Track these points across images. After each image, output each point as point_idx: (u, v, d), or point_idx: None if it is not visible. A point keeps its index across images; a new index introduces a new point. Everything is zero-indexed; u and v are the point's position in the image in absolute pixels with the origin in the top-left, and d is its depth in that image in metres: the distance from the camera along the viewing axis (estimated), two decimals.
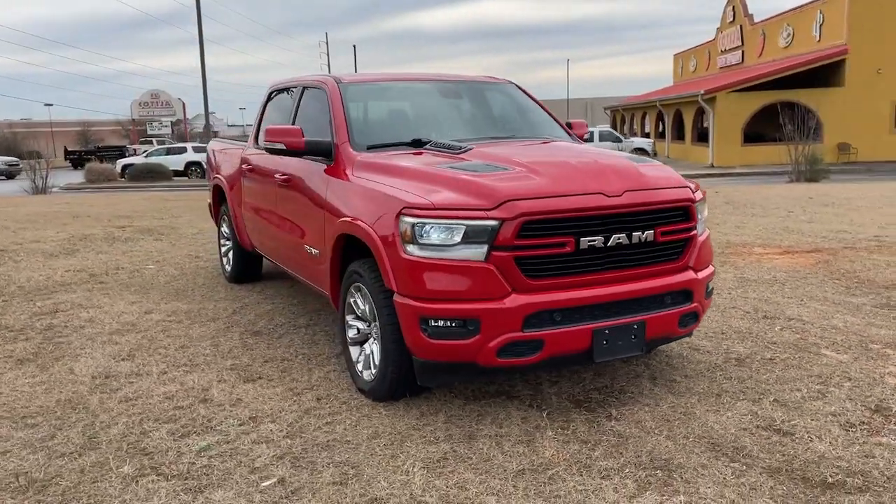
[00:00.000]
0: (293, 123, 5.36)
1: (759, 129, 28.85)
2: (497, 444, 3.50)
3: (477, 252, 3.48)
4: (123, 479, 3.25)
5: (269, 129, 4.78)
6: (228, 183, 6.76)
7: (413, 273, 3.59)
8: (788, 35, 31.76)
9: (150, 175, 33.04)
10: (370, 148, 4.51)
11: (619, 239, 3.64)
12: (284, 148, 4.70)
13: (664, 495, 3.00)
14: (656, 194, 3.79)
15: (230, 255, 7.21)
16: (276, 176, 5.34)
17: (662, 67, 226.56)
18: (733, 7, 37.63)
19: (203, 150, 31.51)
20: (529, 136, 5.02)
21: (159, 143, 49.34)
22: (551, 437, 3.56)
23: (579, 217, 3.56)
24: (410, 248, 3.59)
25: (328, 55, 71.87)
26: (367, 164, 4.30)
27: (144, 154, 39.46)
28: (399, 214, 3.63)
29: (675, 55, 48.83)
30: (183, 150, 37.00)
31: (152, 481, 3.23)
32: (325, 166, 4.70)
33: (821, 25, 29.39)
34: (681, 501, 2.95)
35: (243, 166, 6.26)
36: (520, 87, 5.65)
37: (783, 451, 3.37)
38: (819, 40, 29.52)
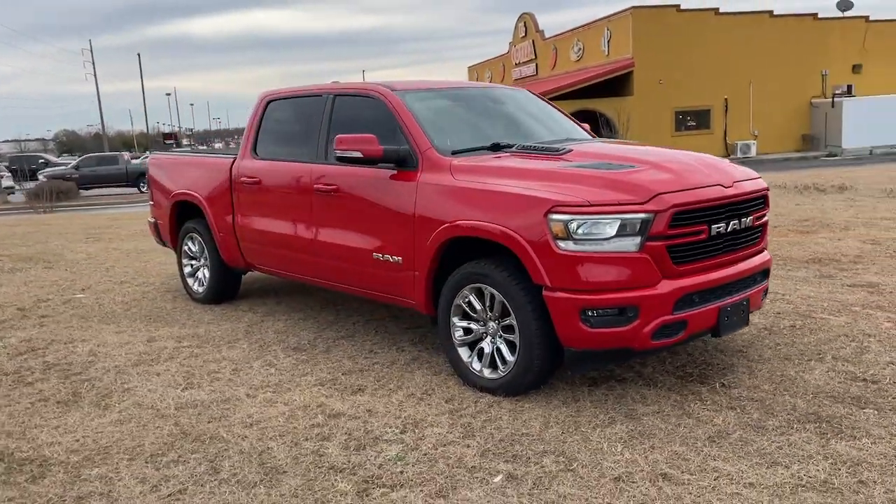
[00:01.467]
0: (329, 133, 5.27)
1: None
2: (663, 419, 3.82)
3: (632, 243, 3.78)
4: (355, 497, 3.16)
5: (341, 138, 4.70)
6: (208, 198, 6.39)
7: (570, 267, 3.80)
8: (579, 49, 34.68)
9: None
10: (455, 153, 4.61)
11: (734, 225, 4.12)
12: (360, 157, 4.65)
13: (849, 440, 3.49)
14: (751, 184, 4.32)
15: (200, 274, 6.80)
16: (317, 186, 5.21)
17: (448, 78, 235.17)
18: (524, 23, 40.31)
19: None
20: (577, 138, 5.37)
21: None
22: (702, 408, 3.94)
23: (711, 206, 3.99)
24: (564, 244, 3.80)
25: (93, 63, 66.48)
26: (469, 168, 4.41)
27: None
28: (548, 213, 3.82)
29: (469, 67, 51.22)
30: None
31: (385, 493, 3.18)
32: (391, 173, 4.72)
33: (609, 41, 32.44)
34: (867, 444, 3.45)
35: (240, 179, 5.98)
36: (534, 94, 5.99)
37: (888, 392, 4.02)
38: (608, 54, 32.56)
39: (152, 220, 7.44)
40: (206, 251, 6.63)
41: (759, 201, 4.35)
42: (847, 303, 5.84)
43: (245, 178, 5.94)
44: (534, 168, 4.23)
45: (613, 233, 3.77)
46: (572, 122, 5.79)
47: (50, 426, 4.07)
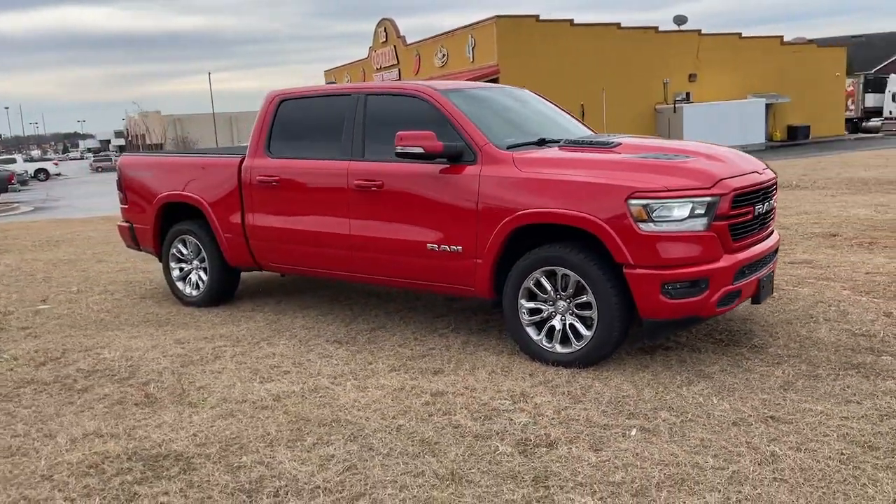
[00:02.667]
0: (365, 131, 5.46)
1: None
2: (732, 376, 4.38)
3: (701, 223, 4.33)
4: (521, 456, 3.46)
5: (402, 134, 4.91)
6: (210, 199, 6.31)
7: (651, 246, 4.29)
8: (444, 56, 35.65)
9: None
10: (510, 147, 4.97)
11: (767, 206, 4.78)
12: (422, 152, 4.89)
13: (889, 379, 4.21)
14: (770, 172, 5.00)
15: (194, 277, 6.69)
16: (358, 183, 5.37)
17: (287, 82, 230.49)
18: (385, 28, 40.83)
19: None
20: (593, 132, 5.87)
21: None
22: (755, 364, 4.55)
23: (755, 190, 4.62)
24: (645, 225, 4.29)
25: None
26: (533, 160, 4.79)
27: None
28: (629, 198, 4.29)
29: (325, 71, 50.99)
30: None
31: (547, 451, 3.50)
32: (441, 167, 5.01)
33: (473, 48, 33.63)
34: None
35: (255, 178, 5.98)
36: (536, 93, 6.46)
37: (889, 342, 4.82)
38: (473, 61, 33.74)
39: (126, 223, 7.18)
40: (203, 253, 6.54)
41: (775, 186, 5.05)
42: (801, 276, 6.75)
43: (261, 178, 5.95)
44: (600, 159, 4.69)
45: (686, 214, 4.30)
46: (576, 119, 6.30)
47: (150, 425, 4.02)
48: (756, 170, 4.77)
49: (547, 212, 4.57)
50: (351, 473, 3.38)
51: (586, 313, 4.57)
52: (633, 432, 3.68)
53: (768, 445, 3.46)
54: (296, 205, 5.84)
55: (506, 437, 3.67)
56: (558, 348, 4.70)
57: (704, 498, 3.02)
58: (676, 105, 33.25)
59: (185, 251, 6.71)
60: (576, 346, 4.64)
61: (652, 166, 4.50)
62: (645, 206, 4.28)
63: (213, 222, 6.33)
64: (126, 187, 7.08)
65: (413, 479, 3.29)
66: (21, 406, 4.41)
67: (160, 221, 6.80)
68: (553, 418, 3.88)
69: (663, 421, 3.79)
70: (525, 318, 4.81)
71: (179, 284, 6.79)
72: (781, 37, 37.15)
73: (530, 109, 6.02)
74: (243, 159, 6.15)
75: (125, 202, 7.13)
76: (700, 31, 35.24)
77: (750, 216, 4.60)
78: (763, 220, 4.82)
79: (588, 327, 4.58)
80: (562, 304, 4.69)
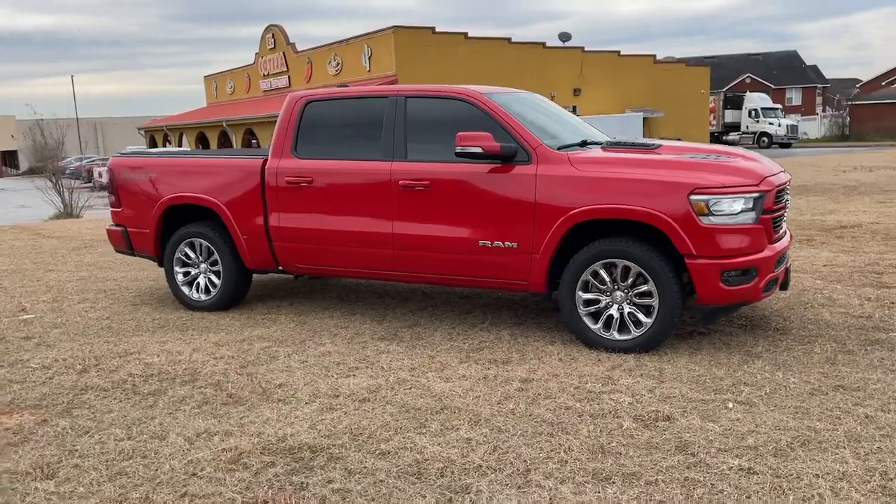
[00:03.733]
0: (406, 132, 5.59)
1: None
2: (781, 354, 4.86)
3: (752, 216, 4.79)
4: (645, 430, 3.74)
5: (462, 135, 5.09)
6: (228, 200, 6.20)
7: (711, 238, 4.71)
8: (338, 64, 35.51)
9: None
10: (560, 148, 5.26)
11: (789, 202, 5.33)
12: (481, 152, 5.09)
13: None
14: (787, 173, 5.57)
15: (203, 281, 6.53)
16: (403, 182, 5.48)
17: (151, 88, 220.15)
18: (273, 35, 40.15)
19: None
20: (610, 137, 6.26)
21: None
22: (794, 344, 5.05)
23: (786, 187, 5.15)
24: (706, 219, 4.70)
25: None
26: (588, 160, 5.10)
27: None
28: (690, 194, 4.69)
29: (205, 77, 49.34)
30: None
31: (666, 426, 3.80)
32: (490, 167, 5.24)
33: (370, 57, 33.74)
34: None
35: (283, 179, 5.94)
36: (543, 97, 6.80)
37: (889, 320, 5.48)
38: (369, 70, 33.82)
39: (118, 227, 6.88)
40: (215, 256, 6.40)
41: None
42: None
43: (291, 178, 5.92)
44: (655, 159, 5.06)
45: (740, 209, 4.74)
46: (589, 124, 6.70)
47: (256, 422, 3.99)
48: (782, 170, 5.31)
49: (614, 208, 4.88)
50: (501, 453, 3.54)
51: (646, 301, 4.92)
52: (731, 405, 4.04)
53: (856, 409, 3.92)
54: (332, 205, 5.85)
55: (621, 415, 3.94)
56: (616, 336, 5.02)
57: (837, 454, 3.41)
58: None
59: (192, 255, 6.54)
60: (635, 333, 4.97)
61: (706, 165, 4.93)
62: (705, 201, 4.68)
63: (230, 224, 6.22)
64: (120, 189, 6.80)
65: (568, 454, 3.49)
66: (99, 411, 4.23)
67: (163, 225, 6.59)
68: (651, 397, 4.18)
69: (750, 394, 4.18)
70: (582, 309, 5.10)
71: (185, 289, 6.60)
72: (654, 55, 39.64)
73: (550, 113, 6.34)
74: (265, 161, 6.10)
75: (118, 205, 6.84)
76: (583, 48, 37.00)
77: (783, 210, 5.12)
78: (784, 215, 5.37)
79: (647, 315, 4.93)
80: (619, 294, 5.02)
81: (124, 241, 6.89)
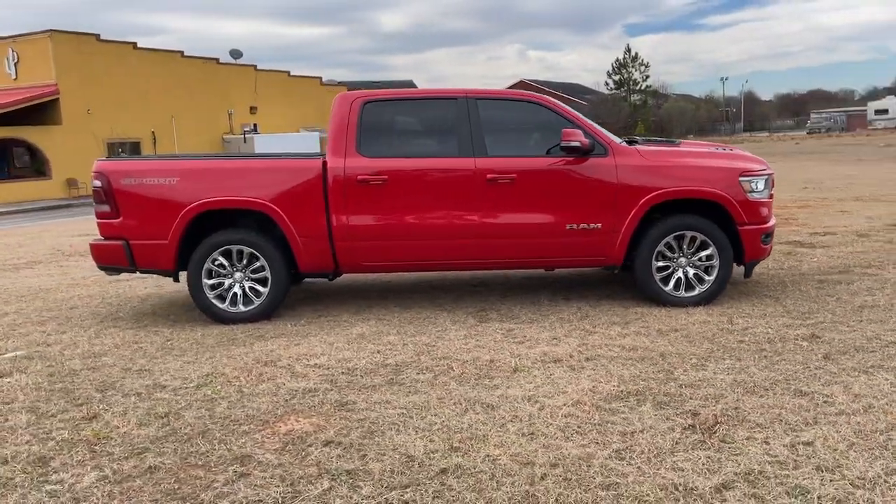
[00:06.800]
0: (481, 131, 6.07)
1: None
2: (815, 307, 6.49)
3: (768, 193, 6.36)
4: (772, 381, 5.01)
5: (568, 131, 5.81)
6: (284, 203, 5.90)
7: (756, 209, 6.17)
8: None
9: None
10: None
11: None
12: (579, 146, 5.87)
13: None
14: None
15: (237, 290, 6.05)
16: (490, 176, 5.95)
17: None
18: None
19: None
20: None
21: None
22: (820, 295, 6.74)
23: None
24: (751, 195, 6.15)
25: None
26: (653, 153, 6.18)
27: None
28: (739, 176, 6.12)
29: None
30: None
31: (764, 394, 5.11)
32: (566, 160, 6.07)
33: (16, 63, 29.50)
34: None
35: (354, 178, 5.91)
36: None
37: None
38: (16, 78, 29.57)
39: (114, 241, 5.98)
40: (260, 262, 6.02)
41: None
42: None
43: (363, 177, 5.93)
44: (702, 151, 6.36)
45: (762, 187, 6.29)
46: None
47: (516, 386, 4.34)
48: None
49: (686, 189, 6.05)
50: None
51: (707, 263, 6.18)
52: (805, 344, 5.44)
53: None
54: (412, 201, 6.00)
55: (738, 375, 5.14)
56: (684, 294, 6.20)
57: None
58: (246, 135, 34.46)
59: (226, 265, 6.04)
60: (700, 289, 6.20)
61: (735, 156, 6.38)
62: (749, 181, 6.13)
63: (285, 227, 5.94)
64: (118, 198, 5.93)
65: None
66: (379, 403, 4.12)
67: (186, 234, 5.97)
68: (747, 359, 5.45)
69: (817, 347, 5.27)
70: (657, 274, 6.18)
71: (216, 303, 6.05)
72: (320, 77, 41.34)
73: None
74: (324, 161, 6.00)
75: (115, 215, 5.95)
76: (256, 66, 37.06)
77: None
78: None
79: (708, 274, 6.20)
80: (683, 260, 6.21)
81: (123, 257, 6.00)
